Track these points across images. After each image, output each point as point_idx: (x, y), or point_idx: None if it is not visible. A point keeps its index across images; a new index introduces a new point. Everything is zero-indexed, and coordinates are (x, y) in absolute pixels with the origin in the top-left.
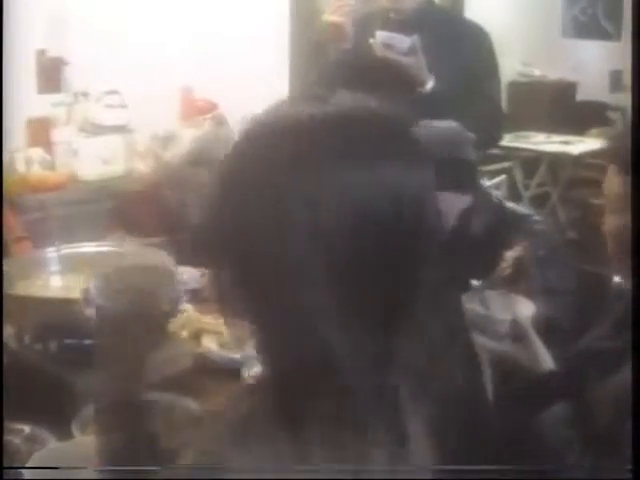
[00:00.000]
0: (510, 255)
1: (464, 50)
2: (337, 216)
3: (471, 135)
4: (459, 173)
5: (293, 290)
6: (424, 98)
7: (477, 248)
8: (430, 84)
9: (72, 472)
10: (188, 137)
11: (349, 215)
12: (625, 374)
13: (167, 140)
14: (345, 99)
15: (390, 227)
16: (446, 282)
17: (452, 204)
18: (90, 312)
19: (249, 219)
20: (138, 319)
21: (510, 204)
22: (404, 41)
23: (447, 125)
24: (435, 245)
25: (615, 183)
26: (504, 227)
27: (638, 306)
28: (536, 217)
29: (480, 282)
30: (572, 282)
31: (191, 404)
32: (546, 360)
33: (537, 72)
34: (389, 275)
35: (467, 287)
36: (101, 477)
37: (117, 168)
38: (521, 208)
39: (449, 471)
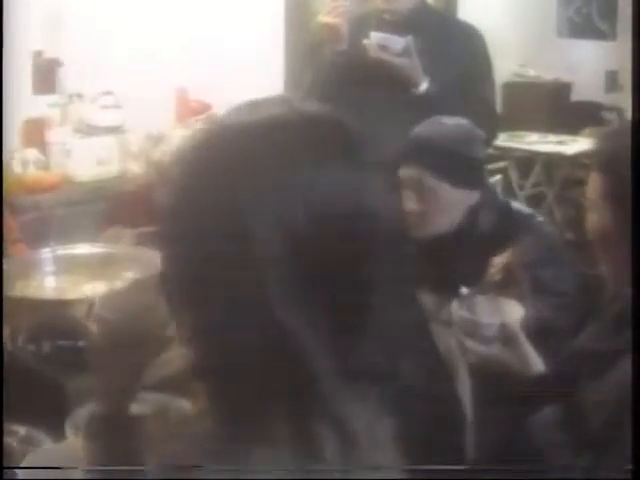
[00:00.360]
0: (499, 261)
1: (458, 51)
2: (289, 219)
3: (480, 133)
4: (468, 170)
5: (243, 291)
6: (418, 99)
7: (483, 245)
8: (424, 85)
9: (70, 472)
10: (178, 137)
11: (300, 218)
12: (618, 375)
13: (158, 140)
14: (308, 105)
15: (342, 229)
16: (407, 283)
17: (460, 200)
18: (94, 329)
19: (201, 219)
20: (143, 341)
21: (515, 203)
22: (398, 42)
23: (457, 122)
24: (392, 246)
25: (597, 183)
26: (510, 226)
27: (638, 306)
28: (540, 217)
29: (468, 290)
30: (571, 283)
31: (186, 405)
32: (536, 363)
33: (532, 72)
34: (344, 276)
35: (462, 288)
36: (90, 477)
37: (111, 169)
38: (525, 207)
39: (420, 471)
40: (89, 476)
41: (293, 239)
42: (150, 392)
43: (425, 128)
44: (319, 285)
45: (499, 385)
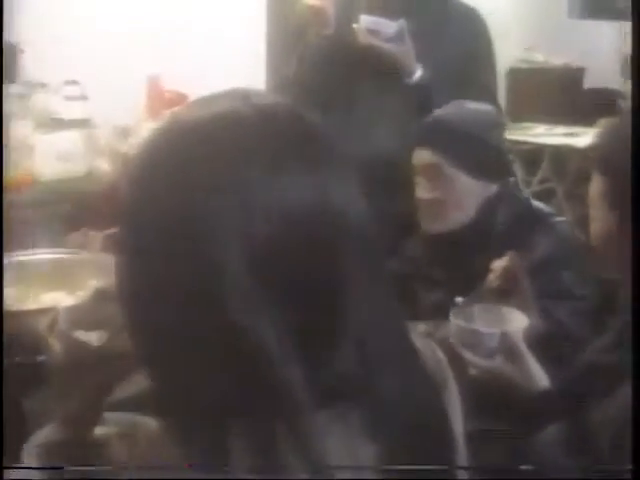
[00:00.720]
0: (498, 265)
1: (456, 35)
2: (247, 223)
3: (504, 121)
4: (488, 159)
5: (202, 299)
6: (412, 88)
7: (499, 244)
8: (418, 73)
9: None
10: (149, 131)
11: (259, 222)
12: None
13: (128, 134)
14: (266, 98)
15: (307, 234)
16: (383, 291)
17: (477, 192)
18: (56, 346)
19: (159, 218)
20: (110, 359)
21: (535, 201)
22: (390, 26)
23: (481, 107)
24: (364, 251)
25: (597, 183)
26: (529, 224)
27: (638, 305)
28: (560, 217)
29: (465, 298)
30: (589, 287)
31: (152, 423)
32: (540, 378)
33: (540, 57)
34: (312, 281)
35: (457, 297)
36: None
37: (77, 166)
38: (544, 205)
39: (396, 471)
40: (94, 476)
41: (254, 245)
42: (115, 412)
43: (445, 111)
44: (284, 292)
45: (498, 403)
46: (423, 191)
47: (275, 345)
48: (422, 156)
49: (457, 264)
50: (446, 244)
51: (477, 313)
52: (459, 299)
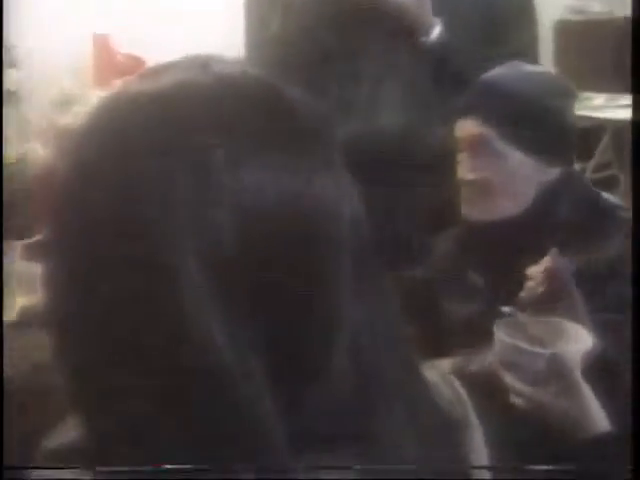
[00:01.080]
0: (536, 270)
1: None
2: (213, 213)
3: (573, 89)
4: (548, 135)
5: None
6: (429, 48)
7: (555, 240)
8: (437, 30)
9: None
10: (94, 100)
11: (229, 212)
12: None
13: (67, 103)
14: (232, 67)
15: (284, 229)
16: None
17: (532, 176)
18: None
19: (101, 208)
20: (39, 400)
21: (604, 193)
22: None
23: (542, 70)
24: (355, 253)
25: None
26: (597, 220)
27: (638, 306)
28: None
29: (515, 307)
30: None
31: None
32: (598, 416)
33: (596, 7)
34: (288, 289)
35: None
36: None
37: (5, 152)
38: (612, 197)
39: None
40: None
41: (215, 249)
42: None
43: (498, 73)
44: (254, 302)
45: (539, 445)
46: (465, 171)
47: (245, 374)
48: (466, 127)
49: (503, 265)
50: (490, 238)
51: (528, 327)
52: (507, 309)
